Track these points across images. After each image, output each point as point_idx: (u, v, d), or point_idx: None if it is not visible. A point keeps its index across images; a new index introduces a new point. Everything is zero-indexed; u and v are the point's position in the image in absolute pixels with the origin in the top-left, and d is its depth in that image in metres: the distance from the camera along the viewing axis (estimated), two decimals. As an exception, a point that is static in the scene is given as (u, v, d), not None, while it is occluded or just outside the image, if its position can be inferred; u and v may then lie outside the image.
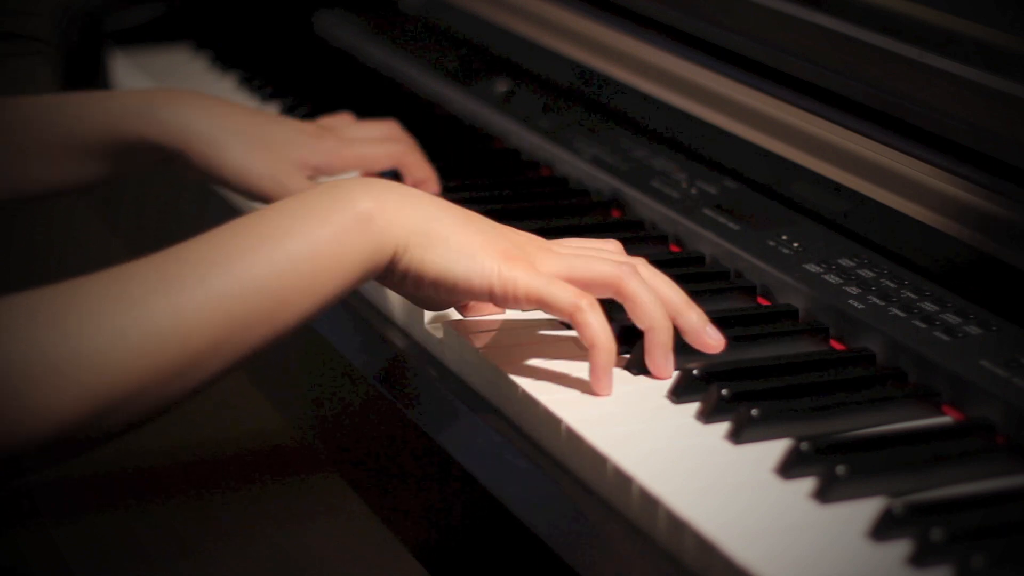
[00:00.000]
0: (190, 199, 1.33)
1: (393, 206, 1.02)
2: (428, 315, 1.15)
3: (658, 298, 1.05)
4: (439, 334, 1.14)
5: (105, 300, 0.94)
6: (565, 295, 1.04)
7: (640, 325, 1.05)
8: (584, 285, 1.05)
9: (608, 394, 1.03)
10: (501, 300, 1.05)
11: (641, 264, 1.08)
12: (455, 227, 1.04)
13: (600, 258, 1.07)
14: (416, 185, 1.36)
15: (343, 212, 1.01)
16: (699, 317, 1.07)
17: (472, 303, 1.13)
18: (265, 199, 1.29)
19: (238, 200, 1.40)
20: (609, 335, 1.03)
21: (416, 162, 1.38)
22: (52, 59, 1.31)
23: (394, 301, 1.20)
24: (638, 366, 1.06)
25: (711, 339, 1.07)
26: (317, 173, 1.34)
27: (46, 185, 1.31)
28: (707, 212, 1.28)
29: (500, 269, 1.03)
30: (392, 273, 1.04)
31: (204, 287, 0.96)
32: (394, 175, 1.39)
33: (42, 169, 1.31)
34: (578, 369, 1.07)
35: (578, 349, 1.10)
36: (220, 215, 1.32)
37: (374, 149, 1.36)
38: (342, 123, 1.41)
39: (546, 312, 1.05)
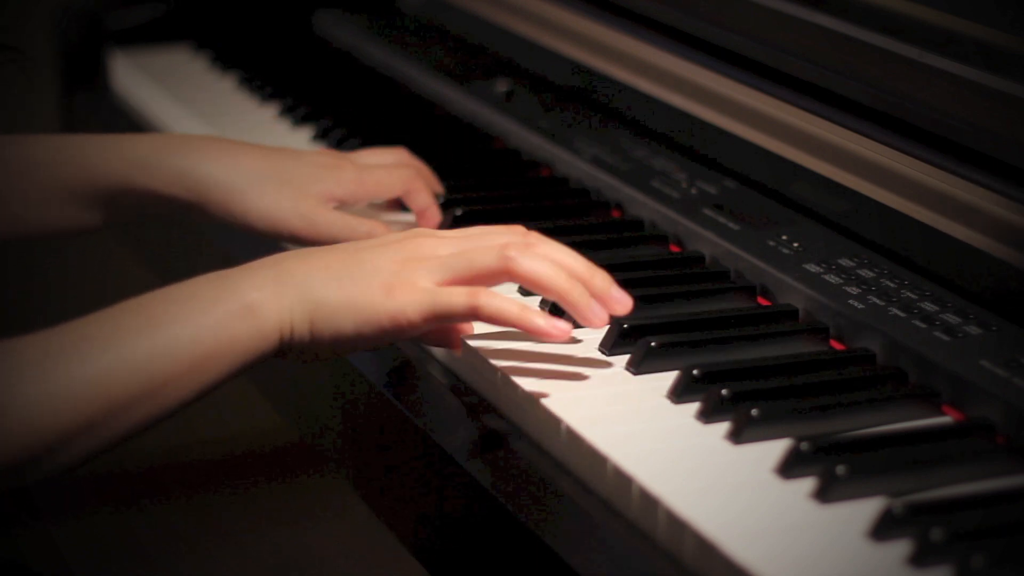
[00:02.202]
0: (216, 227, 1.30)
1: (274, 293, 1.03)
2: None
3: (557, 265, 1.05)
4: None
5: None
6: (456, 299, 1.04)
7: (549, 297, 1.06)
8: (472, 281, 1.05)
9: (568, 332, 1.04)
10: (399, 335, 1.05)
11: (535, 237, 1.08)
12: (334, 285, 1.04)
13: (481, 247, 1.06)
14: (418, 213, 1.33)
15: (227, 303, 1.02)
16: (603, 280, 1.07)
17: (428, 334, 1.11)
18: (296, 239, 1.26)
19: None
20: (518, 304, 1.03)
21: (420, 190, 1.33)
22: (32, 68, 1.28)
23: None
24: (638, 366, 1.07)
25: (618, 302, 1.07)
26: (342, 204, 1.29)
27: (44, 229, 1.29)
28: (707, 212, 1.28)
29: (386, 308, 1.03)
30: (289, 352, 1.05)
31: (83, 366, 0.98)
32: None
33: (42, 213, 1.28)
34: (578, 369, 1.07)
35: (577, 349, 1.10)
36: (245, 240, 1.30)
37: (389, 176, 1.32)
38: (358, 152, 1.36)
39: (447, 323, 1.06)
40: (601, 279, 1.07)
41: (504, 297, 1.04)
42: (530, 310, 1.04)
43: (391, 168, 1.33)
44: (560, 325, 1.04)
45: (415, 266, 1.05)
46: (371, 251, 1.07)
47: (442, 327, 1.10)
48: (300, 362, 1.07)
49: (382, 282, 1.04)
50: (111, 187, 1.26)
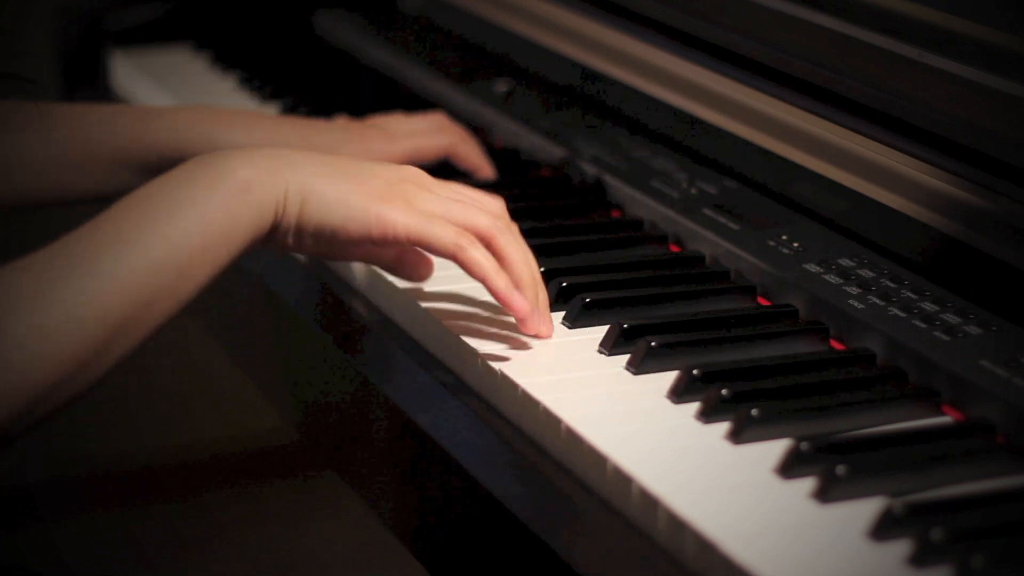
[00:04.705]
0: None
1: (268, 171, 1.06)
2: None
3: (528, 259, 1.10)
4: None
5: (19, 296, 0.96)
6: (446, 234, 1.07)
7: (509, 276, 1.09)
8: None
9: (527, 308, 1.08)
10: (381, 241, 1.08)
11: (515, 227, 1.12)
12: (329, 179, 1.07)
13: (478, 208, 1.10)
14: (470, 173, 1.40)
15: (225, 183, 1.05)
16: (545, 298, 1.11)
17: (403, 257, 1.15)
18: None
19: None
20: (495, 264, 1.07)
21: (467, 152, 1.40)
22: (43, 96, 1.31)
23: (393, 298, 1.20)
24: (638, 366, 1.07)
25: (547, 323, 1.10)
26: None
27: (83, 194, 1.32)
28: (707, 212, 1.28)
29: (377, 211, 1.07)
30: (275, 233, 1.07)
31: (107, 270, 0.99)
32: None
33: (84, 178, 1.31)
34: (577, 368, 1.07)
35: (577, 349, 1.10)
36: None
37: (423, 142, 1.38)
38: (389, 120, 1.42)
39: (427, 252, 1.10)
40: (544, 297, 1.11)
41: (486, 253, 1.07)
42: (507, 278, 1.07)
43: (426, 134, 1.39)
44: (521, 299, 1.08)
45: (413, 188, 1.09)
46: (370, 165, 1.11)
47: (414, 259, 1.14)
48: (280, 253, 1.10)
49: (378, 188, 1.08)
50: (161, 157, 1.30)
